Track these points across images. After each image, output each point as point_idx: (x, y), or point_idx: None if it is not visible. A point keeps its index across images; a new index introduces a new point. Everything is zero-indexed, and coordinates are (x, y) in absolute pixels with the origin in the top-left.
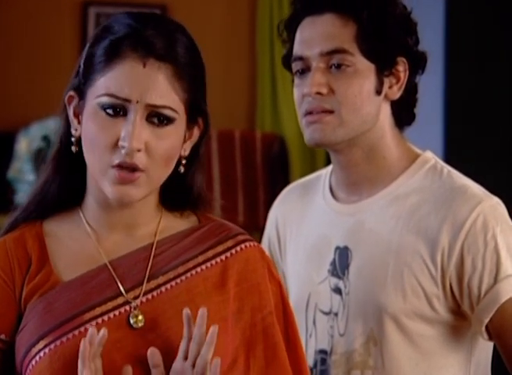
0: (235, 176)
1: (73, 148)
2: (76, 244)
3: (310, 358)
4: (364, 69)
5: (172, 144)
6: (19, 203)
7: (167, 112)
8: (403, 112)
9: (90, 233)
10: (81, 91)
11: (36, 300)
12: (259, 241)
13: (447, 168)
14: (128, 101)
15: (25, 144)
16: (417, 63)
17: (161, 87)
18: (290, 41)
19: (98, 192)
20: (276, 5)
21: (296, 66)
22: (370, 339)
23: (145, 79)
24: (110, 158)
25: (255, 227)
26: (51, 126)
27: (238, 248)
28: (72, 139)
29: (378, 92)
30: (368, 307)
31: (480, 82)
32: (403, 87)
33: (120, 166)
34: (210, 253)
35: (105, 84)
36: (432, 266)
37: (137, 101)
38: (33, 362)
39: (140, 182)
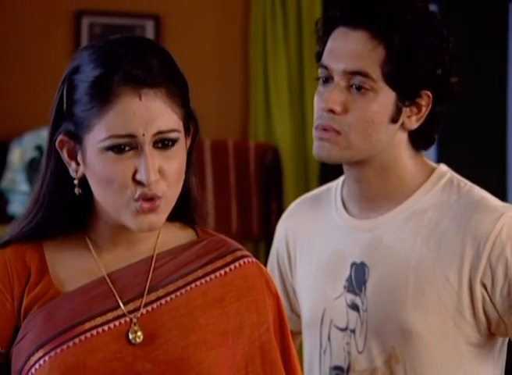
0: (228, 186)
1: (77, 191)
2: (75, 257)
3: None
4: (385, 95)
5: (180, 161)
6: (15, 218)
7: (172, 134)
8: (421, 141)
9: (90, 247)
10: (75, 136)
11: (35, 310)
12: (253, 250)
13: (463, 181)
14: (133, 136)
15: (18, 154)
16: (444, 95)
17: (162, 113)
18: (323, 42)
19: (111, 218)
20: (269, 15)
21: (321, 72)
22: (392, 357)
23: (145, 111)
24: (131, 192)
25: (248, 237)
26: (44, 136)
27: (237, 264)
28: (75, 182)
29: (394, 121)
30: (388, 324)
31: (473, 83)
32: (423, 118)
33: (142, 198)
34: (209, 267)
35: (105, 128)
36: (455, 281)
37: (143, 134)
38: (33, 370)
39: (161, 208)
